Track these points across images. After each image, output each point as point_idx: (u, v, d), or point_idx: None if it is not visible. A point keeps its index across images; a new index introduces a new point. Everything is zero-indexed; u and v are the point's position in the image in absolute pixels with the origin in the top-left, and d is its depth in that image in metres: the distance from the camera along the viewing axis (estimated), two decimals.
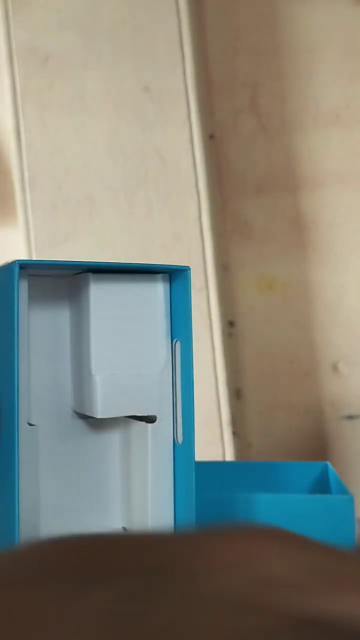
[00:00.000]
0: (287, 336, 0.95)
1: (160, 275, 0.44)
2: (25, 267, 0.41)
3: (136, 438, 0.45)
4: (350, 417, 0.94)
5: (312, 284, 0.95)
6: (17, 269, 0.40)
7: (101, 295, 0.43)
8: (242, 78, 0.95)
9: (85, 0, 0.88)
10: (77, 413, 0.46)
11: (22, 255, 0.87)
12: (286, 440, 0.95)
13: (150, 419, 0.44)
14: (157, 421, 0.44)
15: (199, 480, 0.51)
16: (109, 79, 0.88)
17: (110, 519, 0.47)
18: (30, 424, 0.41)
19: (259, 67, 0.95)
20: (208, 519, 0.52)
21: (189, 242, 0.87)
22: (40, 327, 0.45)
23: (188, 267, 0.43)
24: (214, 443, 0.88)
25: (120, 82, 0.88)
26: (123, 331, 0.43)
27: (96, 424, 0.47)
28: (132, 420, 0.46)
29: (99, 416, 0.42)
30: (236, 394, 0.94)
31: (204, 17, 0.95)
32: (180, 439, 0.43)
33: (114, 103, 0.88)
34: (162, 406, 0.44)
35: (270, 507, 0.52)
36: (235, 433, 0.89)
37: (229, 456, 0.88)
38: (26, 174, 0.87)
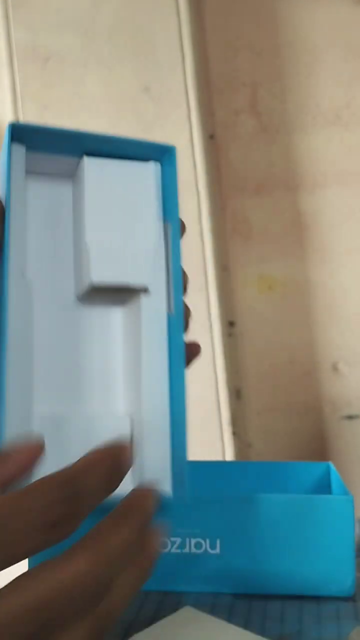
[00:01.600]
0: (287, 336, 0.95)
1: (151, 161, 0.47)
2: (19, 131, 0.42)
3: (131, 312, 0.47)
4: (350, 417, 0.94)
5: (312, 284, 0.95)
6: (8, 131, 0.41)
7: (95, 174, 0.45)
8: (242, 78, 0.95)
9: (85, 0, 0.88)
10: (77, 299, 0.47)
11: None
12: (286, 440, 0.95)
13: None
14: (150, 293, 0.45)
15: (199, 480, 0.51)
16: (109, 79, 0.88)
17: (111, 399, 0.47)
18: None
19: (259, 67, 0.95)
20: (208, 519, 0.52)
21: (189, 242, 0.87)
22: (41, 204, 0.47)
23: (174, 146, 0.46)
24: (214, 443, 0.88)
25: (120, 82, 0.88)
26: (117, 210, 0.46)
27: (95, 308, 0.48)
28: (128, 297, 0.47)
29: (94, 281, 0.43)
30: (236, 394, 0.94)
31: (204, 17, 0.95)
32: (172, 309, 0.45)
33: (114, 103, 0.88)
34: (154, 278, 0.45)
35: (270, 507, 0.52)
36: (235, 433, 0.89)
37: (229, 456, 0.88)
38: None
